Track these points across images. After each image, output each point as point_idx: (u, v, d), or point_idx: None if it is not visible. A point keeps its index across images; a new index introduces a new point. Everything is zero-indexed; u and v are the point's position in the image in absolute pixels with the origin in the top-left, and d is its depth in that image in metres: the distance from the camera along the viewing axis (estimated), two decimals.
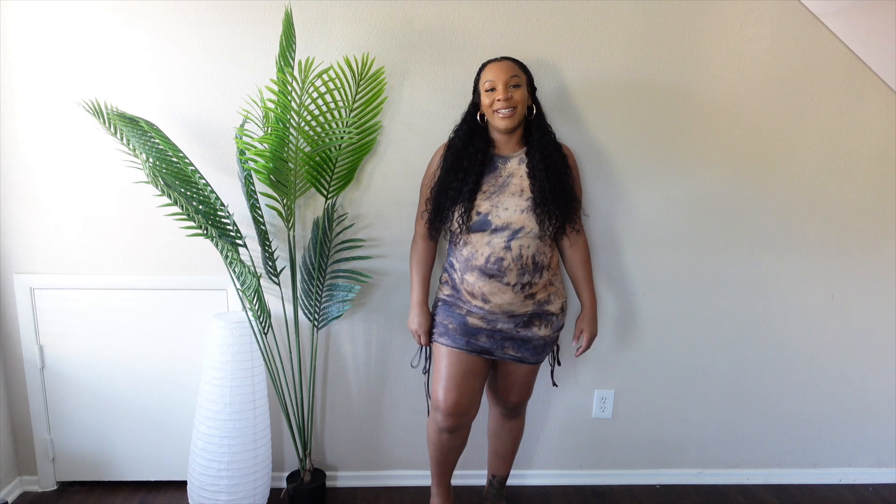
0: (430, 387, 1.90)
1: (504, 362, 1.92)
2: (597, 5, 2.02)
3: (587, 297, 1.95)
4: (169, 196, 1.71)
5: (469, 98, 1.92)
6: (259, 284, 1.86)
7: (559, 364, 2.07)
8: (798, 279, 2.27)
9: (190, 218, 1.74)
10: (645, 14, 2.03)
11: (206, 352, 2.03)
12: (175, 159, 1.86)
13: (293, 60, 1.86)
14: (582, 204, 1.98)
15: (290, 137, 1.82)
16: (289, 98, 1.78)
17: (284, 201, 1.95)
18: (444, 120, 2.04)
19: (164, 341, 2.18)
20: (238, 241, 1.97)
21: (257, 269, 2.11)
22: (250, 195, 1.95)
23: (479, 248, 1.80)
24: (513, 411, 2.05)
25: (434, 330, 1.91)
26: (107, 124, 1.84)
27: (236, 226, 1.96)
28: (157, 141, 1.83)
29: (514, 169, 1.82)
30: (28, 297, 2.12)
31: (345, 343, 2.24)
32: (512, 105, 1.75)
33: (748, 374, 2.35)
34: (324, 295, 2.09)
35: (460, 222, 1.80)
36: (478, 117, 1.85)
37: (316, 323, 2.09)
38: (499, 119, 1.77)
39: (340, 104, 1.94)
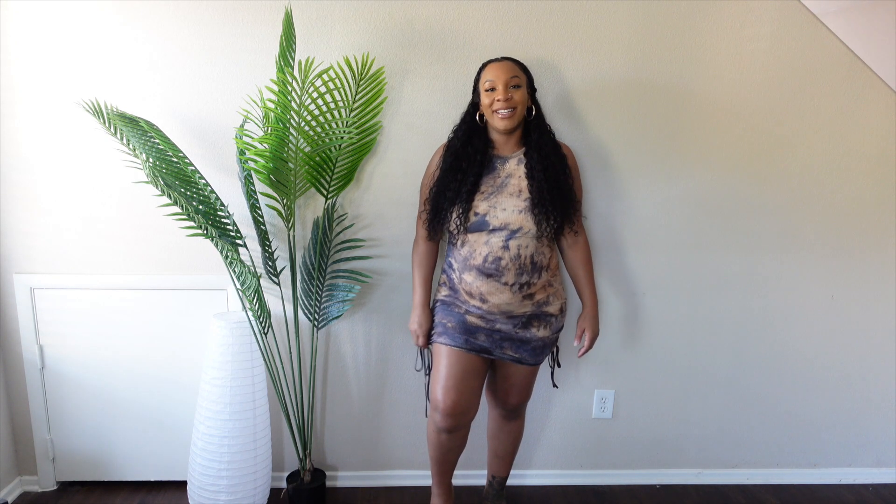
0: (430, 387, 1.90)
1: (503, 363, 1.92)
2: (597, 5, 2.02)
3: (588, 296, 1.94)
4: (169, 196, 1.71)
5: (469, 98, 1.92)
6: (259, 284, 1.86)
7: (559, 366, 2.07)
8: (798, 279, 2.27)
9: (190, 218, 1.74)
10: (645, 14, 2.03)
11: (206, 352, 2.03)
12: (175, 159, 1.86)
13: (293, 60, 1.86)
14: (582, 204, 1.98)
15: (290, 137, 1.82)
16: (289, 98, 1.78)
17: (284, 201, 1.95)
18: (444, 120, 2.04)
19: (164, 341, 2.18)
20: (238, 241, 1.97)
21: (257, 269, 2.11)
22: (250, 195, 1.95)
23: (477, 248, 1.80)
24: (512, 413, 2.05)
25: (433, 331, 1.91)
26: (107, 124, 1.84)
27: (236, 226, 1.96)
28: (157, 141, 1.83)
29: (513, 169, 1.82)
30: (28, 297, 2.12)
31: (345, 343, 2.24)
32: (512, 105, 1.75)
33: (748, 374, 2.35)
34: (324, 295, 2.09)
35: (458, 223, 1.80)
36: (477, 117, 1.85)
37: (316, 323, 2.09)
38: (498, 119, 1.77)
39: (340, 104, 1.94)
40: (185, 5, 1.96)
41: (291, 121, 1.81)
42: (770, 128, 2.15)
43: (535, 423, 2.34)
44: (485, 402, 2.16)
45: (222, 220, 1.92)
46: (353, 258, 2.12)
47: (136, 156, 1.83)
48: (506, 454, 2.11)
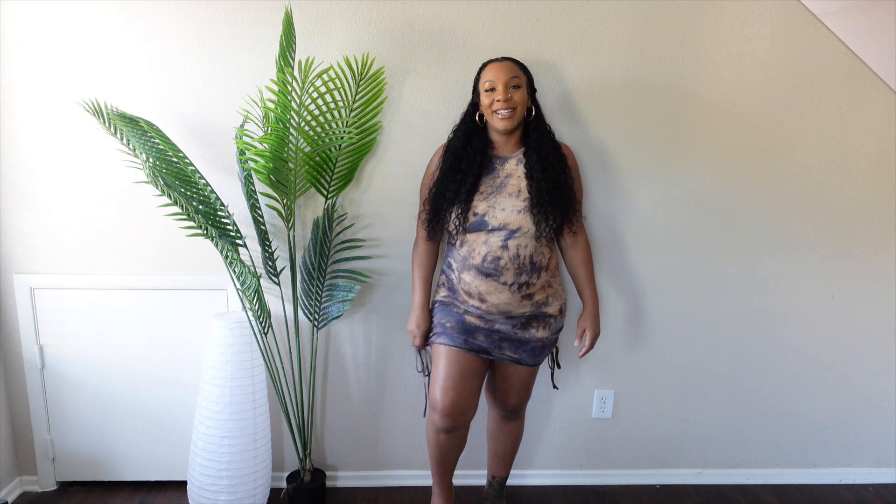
0: (429, 387, 1.90)
1: (502, 364, 1.92)
2: (597, 5, 2.02)
3: (589, 295, 1.93)
4: (169, 196, 1.71)
5: (469, 98, 1.92)
6: (259, 284, 1.86)
7: (559, 367, 2.07)
8: (798, 279, 2.27)
9: (190, 218, 1.74)
10: (645, 14, 2.03)
11: (206, 352, 2.03)
12: (175, 159, 1.86)
13: (293, 60, 1.86)
14: (582, 204, 1.98)
15: (290, 137, 1.82)
16: (289, 98, 1.78)
17: (284, 201, 1.95)
18: (444, 120, 2.04)
19: (164, 341, 2.18)
20: (238, 241, 1.97)
21: (257, 269, 2.11)
22: (250, 195, 1.95)
23: (476, 248, 1.80)
24: (512, 414, 2.05)
25: (432, 331, 1.90)
26: (107, 124, 1.84)
27: (236, 226, 1.96)
28: (157, 141, 1.83)
29: (512, 170, 1.82)
30: (28, 297, 2.12)
31: (345, 343, 2.24)
32: (511, 106, 1.75)
33: (748, 374, 2.35)
34: (324, 295, 2.09)
35: (457, 223, 1.80)
36: (477, 118, 1.85)
37: (316, 323, 2.09)
38: (498, 120, 1.77)
39: (340, 104, 1.94)
40: (185, 5, 1.96)
41: (291, 121, 1.81)
42: (770, 128, 2.15)
43: (535, 423, 2.34)
44: (485, 402, 2.16)
45: (222, 220, 1.92)
46: (353, 258, 2.12)
47: (136, 156, 1.83)
48: (505, 454, 2.11)
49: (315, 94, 1.84)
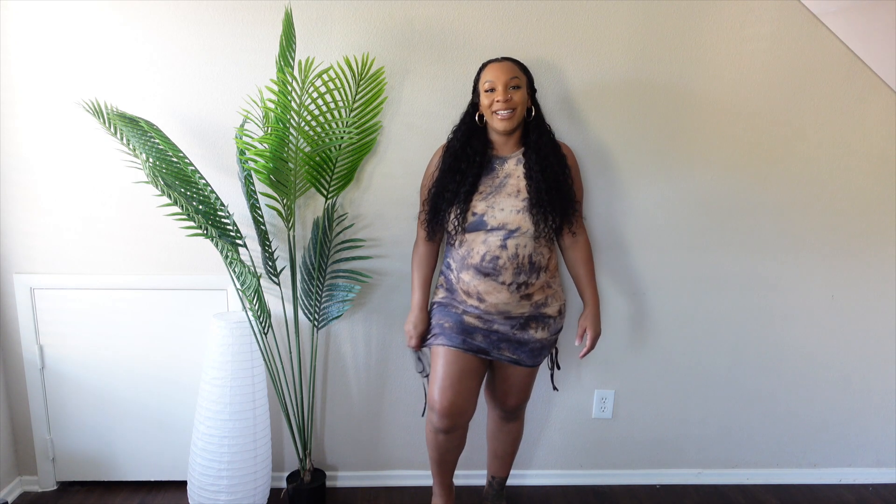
0: (427, 388, 1.90)
1: (501, 365, 1.92)
2: (597, 5, 2.02)
3: (590, 295, 1.92)
4: (169, 196, 1.71)
5: (469, 98, 1.92)
6: (259, 284, 1.86)
7: (558, 368, 2.06)
8: (798, 279, 2.27)
9: (190, 218, 1.74)
10: (645, 14, 2.03)
11: (206, 352, 2.03)
12: (175, 159, 1.86)
13: (293, 60, 1.86)
14: (582, 205, 1.97)
15: (290, 137, 1.82)
16: (289, 98, 1.78)
17: (284, 201, 1.95)
18: (444, 120, 2.04)
19: (164, 341, 2.18)
20: (238, 241, 1.97)
21: (257, 269, 2.11)
22: (250, 195, 1.95)
23: (474, 247, 1.80)
24: (511, 414, 2.04)
25: (430, 333, 1.90)
26: (107, 124, 1.84)
27: (236, 226, 1.96)
28: (157, 141, 1.83)
29: (512, 170, 1.82)
30: (28, 297, 2.12)
31: (345, 343, 2.24)
32: (511, 107, 1.75)
33: (748, 374, 2.35)
34: (324, 295, 2.09)
35: (456, 223, 1.80)
36: (476, 118, 1.85)
37: (316, 323, 2.09)
38: (497, 121, 1.77)
39: (340, 104, 1.94)
40: (185, 5, 1.96)
41: (291, 121, 1.81)
42: (770, 128, 2.15)
43: (535, 423, 2.34)
44: (484, 403, 2.16)
45: (222, 220, 1.92)
46: (353, 258, 2.12)
47: (136, 156, 1.83)
48: (505, 455, 2.11)
49: (315, 94, 1.84)
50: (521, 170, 1.81)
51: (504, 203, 1.78)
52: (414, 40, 2.02)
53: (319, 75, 1.81)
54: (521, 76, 1.78)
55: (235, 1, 1.96)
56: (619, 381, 2.33)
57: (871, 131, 2.17)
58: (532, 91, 1.83)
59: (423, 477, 2.33)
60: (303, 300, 2.08)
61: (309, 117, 1.85)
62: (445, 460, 1.96)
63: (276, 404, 2.20)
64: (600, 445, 2.39)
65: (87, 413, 2.23)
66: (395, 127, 2.08)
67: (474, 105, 1.86)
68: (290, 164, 1.86)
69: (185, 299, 2.16)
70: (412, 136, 2.08)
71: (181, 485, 2.28)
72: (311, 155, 1.87)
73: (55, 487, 2.28)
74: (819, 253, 2.26)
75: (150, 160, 1.81)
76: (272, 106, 1.80)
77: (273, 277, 2.06)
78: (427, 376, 1.98)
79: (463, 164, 1.81)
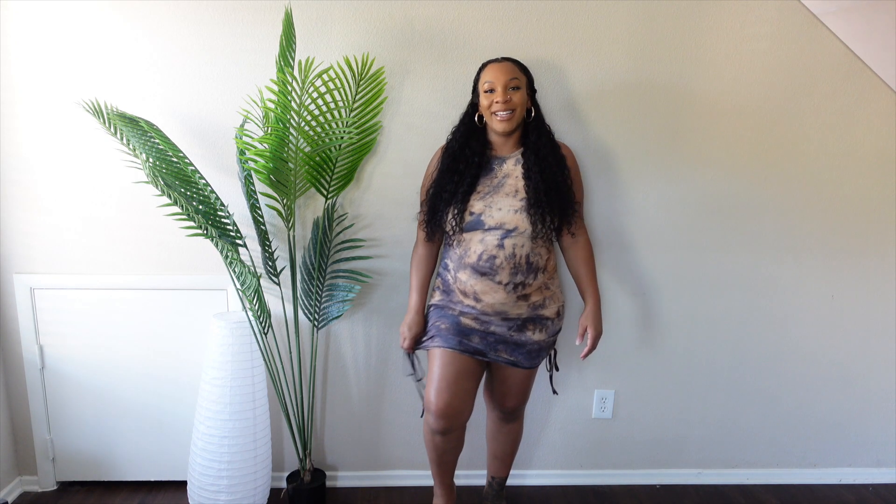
0: (425, 390, 1.89)
1: (499, 367, 1.91)
2: (597, 5, 2.02)
3: (591, 293, 1.90)
4: (169, 196, 1.71)
5: (469, 98, 1.92)
6: (259, 284, 1.86)
7: (557, 369, 2.06)
8: (798, 279, 2.27)
9: (190, 218, 1.74)
10: (645, 14, 2.03)
11: (206, 352, 2.03)
12: (175, 159, 1.86)
13: (293, 60, 1.86)
14: (582, 205, 1.97)
15: (290, 137, 1.82)
16: (289, 98, 1.78)
17: (284, 201, 1.95)
18: (444, 120, 2.04)
19: (164, 341, 2.18)
20: (238, 241, 1.97)
21: (257, 269, 2.11)
22: (250, 195, 1.95)
23: (472, 246, 1.79)
24: (510, 416, 2.04)
25: (426, 335, 1.89)
26: (107, 124, 1.84)
27: (236, 226, 1.96)
28: (157, 141, 1.83)
29: (510, 170, 1.81)
30: (28, 297, 2.12)
31: (345, 343, 2.24)
32: (510, 108, 1.74)
33: (748, 374, 2.35)
34: (324, 295, 2.09)
35: (453, 223, 1.80)
36: (476, 118, 1.84)
37: (316, 323, 2.09)
38: (496, 122, 1.76)
39: (340, 104, 1.94)
40: (185, 5, 1.96)
41: (291, 121, 1.81)
42: (770, 128, 2.15)
43: (535, 423, 2.34)
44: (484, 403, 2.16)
45: (222, 220, 1.92)
46: (353, 258, 2.12)
47: (136, 156, 1.83)
48: (504, 455, 2.11)
49: (315, 94, 1.84)
50: (519, 170, 1.81)
51: (502, 203, 1.78)
52: (414, 40, 2.02)
53: (319, 75, 1.81)
54: (521, 77, 1.77)
55: (235, 1, 1.96)
56: (619, 381, 2.33)
57: (871, 131, 2.17)
58: (532, 91, 1.83)
59: (423, 477, 2.33)
60: (303, 300, 2.08)
61: (309, 117, 1.85)
62: (444, 461, 1.95)
63: (276, 404, 2.20)
64: (600, 445, 2.39)
65: (87, 413, 2.23)
66: (395, 127, 2.08)
67: (474, 105, 1.85)
68: (290, 164, 1.86)
69: (185, 299, 2.16)
70: (412, 136, 2.08)
71: (181, 485, 2.28)
72: (311, 155, 1.87)
73: (55, 487, 2.28)
74: (819, 253, 2.26)
75: (150, 160, 1.81)
76: (272, 106, 1.80)
77: (273, 277, 2.06)
78: (419, 380, 1.97)
79: (461, 164, 1.81)
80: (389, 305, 2.20)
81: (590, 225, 2.16)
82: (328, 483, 2.34)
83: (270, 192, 1.97)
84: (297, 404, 2.16)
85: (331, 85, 1.88)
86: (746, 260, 2.25)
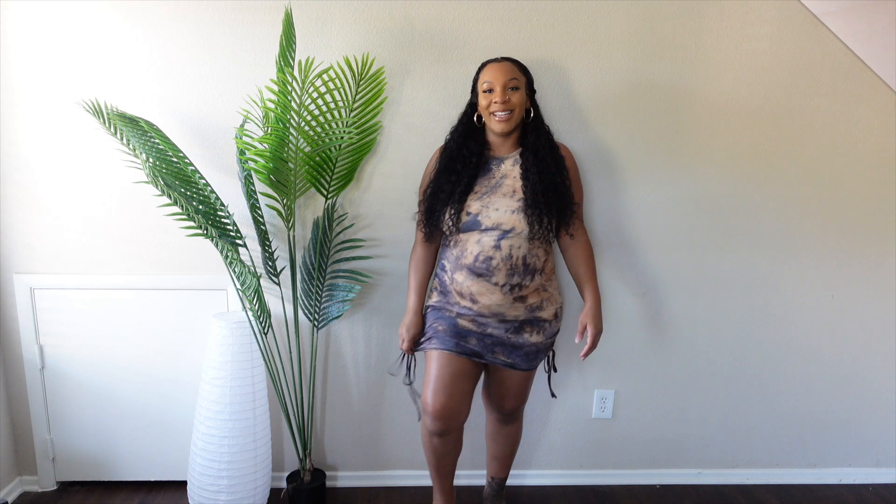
0: (422, 391, 1.89)
1: (497, 368, 1.90)
2: (597, 5, 2.02)
3: (590, 292, 1.87)
4: (169, 196, 1.71)
5: (468, 97, 1.91)
6: (259, 284, 1.86)
7: (555, 371, 2.06)
8: (798, 279, 2.27)
9: (190, 218, 1.74)
10: (645, 14, 2.03)
11: (206, 352, 2.03)
12: (175, 159, 1.86)
13: (293, 60, 1.86)
14: (581, 206, 1.97)
15: (290, 137, 1.82)
16: (289, 98, 1.78)
17: (284, 201, 1.95)
18: (444, 120, 2.04)
19: (164, 341, 2.18)
20: (238, 241, 1.97)
21: (257, 269, 2.12)
22: (250, 195, 1.95)
23: (468, 247, 1.79)
24: (509, 417, 2.03)
25: (423, 336, 1.89)
26: (107, 124, 1.84)
27: (236, 226, 1.96)
28: (157, 141, 1.83)
29: (508, 170, 1.81)
30: (28, 297, 2.12)
31: (345, 343, 2.24)
32: (509, 108, 1.74)
33: (748, 374, 2.35)
34: (324, 295, 2.09)
35: (451, 223, 1.79)
36: (475, 118, 1.84)
37: (316, 323, 2.09)
38: (495, 122, 1.76)
39: (340, 104, 1.94)
40: (184, 5, 1.96)
41: (291, 121, 1.81)
42: (770, 128, 2.15)
43: (535, 423, 2.34)
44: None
45: (222, 220, 1.92)
46: (353, 258, 2.12)
47: (136, 156, 1.83)
48: (504, 456, 2.10)
49: (315, 94, 1.84)
50: (517, 170, 1.80)
51: (499, 203, 1.77)
52: (414, 40, 2.02)
53: (319, 75, 1.81)
54: (521, 77, 1.77)
55: (235, 1, 1.96)
56: (619, 381, 2.33)
57: (871, 131, 2.17)
58: (531, 92, 1.82)
59: (423, 477, 2.33)
60: (303, 300, 2.08)
61: (309, 117, 1.85)
62: (442, 464, 1.94)
63: (276, 404, 2.20)
64: (600, 445, 2.39)
65: (87, 413, 2.23)
66: (395, 127, 2.08)
67: (473, 105, 1.85)
68: (290, 164, 1.86)
69: (185, 299, 2.16)
70: (412, 136, 2.08)
71: (181, 485, 2.28)
72: (311, 155, 1.87)
73: (55, 487, 2.28)
74: (819, 252, 2.26)
75: (150, 160, 1.81)
76: (272, 106, 1.80)
77: (273, 277, 2.06)
78: (409, 384, 1.97)
79: (459, 164, 1.80)
80: (389, 305, 2.20)
81: (590, 225, 2.16)
82: (328, 483, 2.34)
83: (270, 192, 1.97)
84: (297, 404, 2.16)
85: (331, 85, 1.88)
86: (746, 260, 2.25)
